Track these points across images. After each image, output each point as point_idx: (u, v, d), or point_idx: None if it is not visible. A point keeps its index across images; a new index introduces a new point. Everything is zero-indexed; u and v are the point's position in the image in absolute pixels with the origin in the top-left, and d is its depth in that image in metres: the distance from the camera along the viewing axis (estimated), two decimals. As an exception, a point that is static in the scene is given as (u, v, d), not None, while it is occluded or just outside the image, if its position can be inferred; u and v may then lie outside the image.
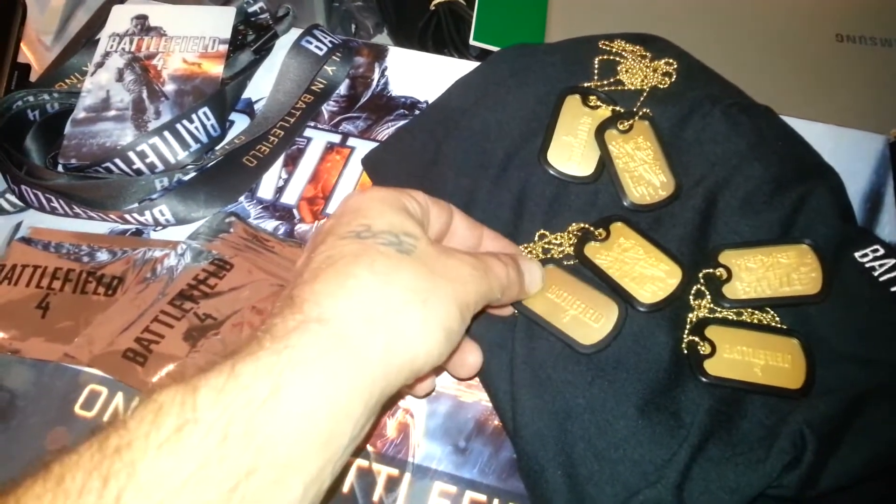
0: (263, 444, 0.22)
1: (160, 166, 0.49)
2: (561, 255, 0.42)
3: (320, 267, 0.28)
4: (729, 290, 0.41)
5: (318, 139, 0.54)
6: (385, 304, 0.27)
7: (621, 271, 0.41)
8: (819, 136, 0.50)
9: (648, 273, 0.41)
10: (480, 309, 0.32)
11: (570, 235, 0.42)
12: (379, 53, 0.58)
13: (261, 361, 0.24)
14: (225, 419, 0.22)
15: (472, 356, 0.37)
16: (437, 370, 0.34)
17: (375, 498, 0.39)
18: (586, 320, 0.39)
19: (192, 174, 0.50)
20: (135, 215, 0.48)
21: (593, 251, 0.42)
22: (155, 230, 0.49)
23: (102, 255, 0.47)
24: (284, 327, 0.25)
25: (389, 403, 0.31)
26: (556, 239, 0.42)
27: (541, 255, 0.42)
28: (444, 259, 0.30)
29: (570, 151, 0.45)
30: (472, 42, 0.68)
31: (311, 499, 0.24)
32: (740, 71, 0.50)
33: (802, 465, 0.34)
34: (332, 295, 0.26)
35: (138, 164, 0.49)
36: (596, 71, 0.48)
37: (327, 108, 0.55)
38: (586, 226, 0.42)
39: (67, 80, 0.57)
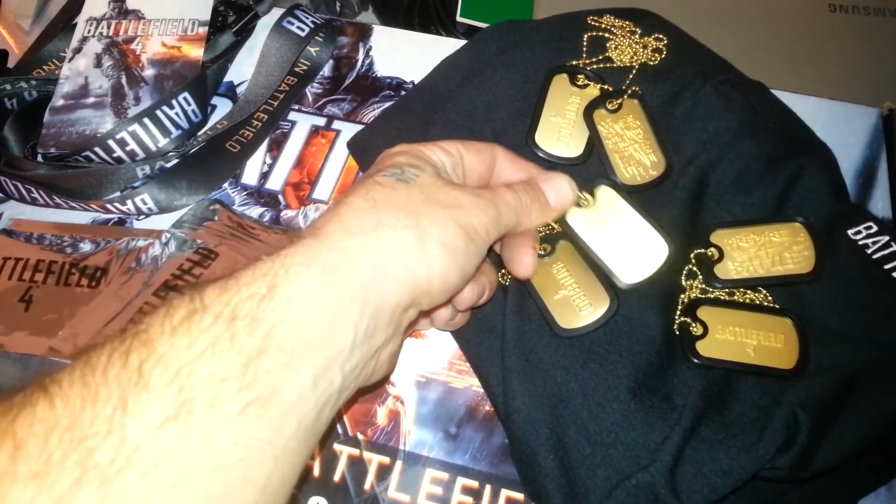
0: (269, 330, 0.24)
1: (141, 154, 0.48)
2: (551, 232, 0.41)
3: (328, 206, 0.30)
4: (721, 270, 0.40)
5: (302, 122, 0.53)
6: (375, 223, 0.28)
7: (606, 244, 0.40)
8: (811, 110, 0.50)
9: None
10: (501, 235, 0.34)
11: None
12: (363, 32, 0.57)
13: (258, 268, 0.26)
14: (230, 309, 0.24)
15: (469, 289, 0.36)
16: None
17: (367, 486, 0.38)
18: (575, 304, 0.39)
19: (174, 161, 0.49)
20: (116, 205, 0.47)
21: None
22: (138, 219, 0.48)
23: (85, 246, 0.46)
24: (282, 246, 0.27)
25: (409, 327, 0.32)
26: None
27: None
28: (445, 189, 0.31)
29: (559, 132, 0.44)
30: (458, 18, 0.66)
31: (321, 394, 0.25)
32: (731, 44, 0.49)
33: (796, 447, 0.34)
34: (326, 218, 0.29)
35: (118, 153, 0.48)
36: (584, 48, 0.47)
37: (311, 90, 0.54)
38: None
39: (45, 67, 0.56)
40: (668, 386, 0.37)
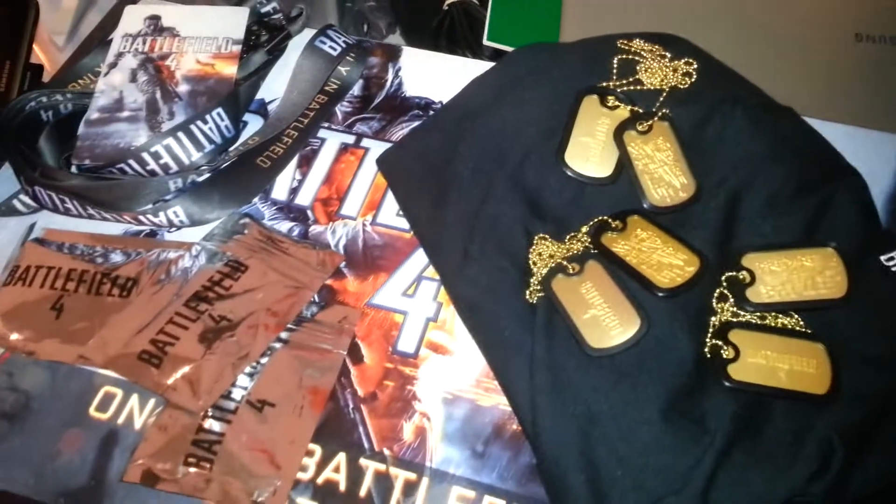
0: None
1: (174, 167, 0.49)
2: (580, 252, 0.41)
3: None
4: (752, 294, 0.40)
5: (331, 140, 0.53)
6: None
7: (639, 259, 0.41)
8: (838, 137, 0.49)
9: (666, 261, 0.40)
10: None
11: (584, 234, 0.42)
12: (392, 54, 0.58)
13: None
14: None
15: None
16: None
17: (393, 502, 0.38)
18: (605, 324, 0.39)
19: (206, 175, 0.50)
20: (149, 216, 0.47)
21: (610, 241, 0.41)
22: (169, 231, 0.49)
23: (116, 257, 0.47)
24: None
25: None
26: (572, 241, 0.42)
27: (557, 254, 0.41)
28: None
29: (588, 152, 0.44)
30: (485, 42, 0.67)
31: None
32: (758, 71, 0.49)
33: (830, 473, 0.34)
34: None
35: (152, 165, 0.48)
36: (614, 70, 0.47)
37: (341, 108, 0.55)
38: (603, 217, 0.42)
39: (80, 81, 0.57)
40: (699, 409, 0.37)
